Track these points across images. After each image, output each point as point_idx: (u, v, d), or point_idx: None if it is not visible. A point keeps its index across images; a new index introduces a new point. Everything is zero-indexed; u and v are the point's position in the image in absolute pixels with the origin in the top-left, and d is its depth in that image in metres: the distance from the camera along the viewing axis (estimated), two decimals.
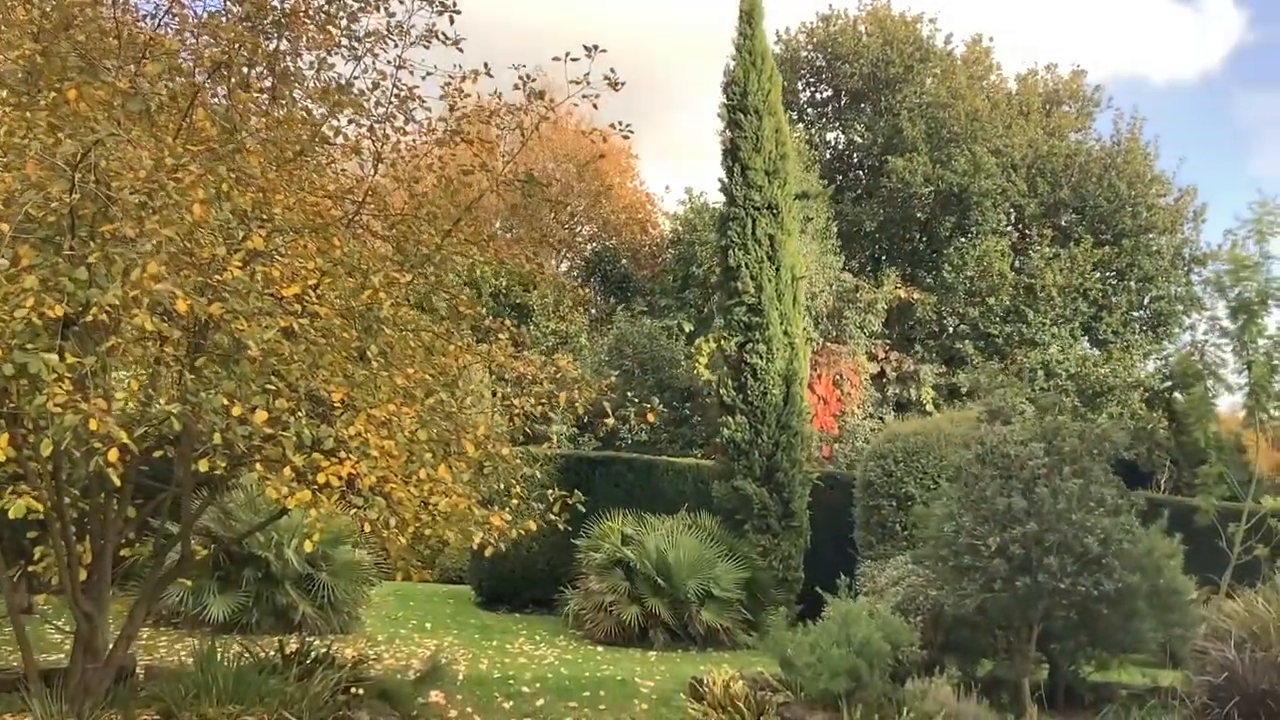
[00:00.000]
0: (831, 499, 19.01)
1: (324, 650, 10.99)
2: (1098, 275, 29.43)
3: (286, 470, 7.73)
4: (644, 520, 16.55)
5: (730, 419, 17.14)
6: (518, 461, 10.41)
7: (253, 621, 13.91)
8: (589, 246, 39.82)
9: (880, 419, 25.78)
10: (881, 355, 27.53)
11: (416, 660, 12.71)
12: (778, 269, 17.35)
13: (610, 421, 12.07)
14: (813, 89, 34.63)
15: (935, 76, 31.52)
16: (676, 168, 61.30)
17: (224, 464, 8.32)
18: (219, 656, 10.04)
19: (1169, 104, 57.40)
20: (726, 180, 17.73)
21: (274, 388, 8.06)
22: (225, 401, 7.42)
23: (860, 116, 33.07)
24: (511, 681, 12.11)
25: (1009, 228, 31.47)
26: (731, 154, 17.72)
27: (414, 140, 10.40)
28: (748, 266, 17.24)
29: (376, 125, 9.73)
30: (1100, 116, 33.01)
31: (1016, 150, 30.11)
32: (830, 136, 34.49)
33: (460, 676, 12.07)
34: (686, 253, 31.11)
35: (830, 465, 24.02)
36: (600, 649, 15.03)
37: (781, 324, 17.23)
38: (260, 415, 7.50)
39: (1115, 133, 31.37)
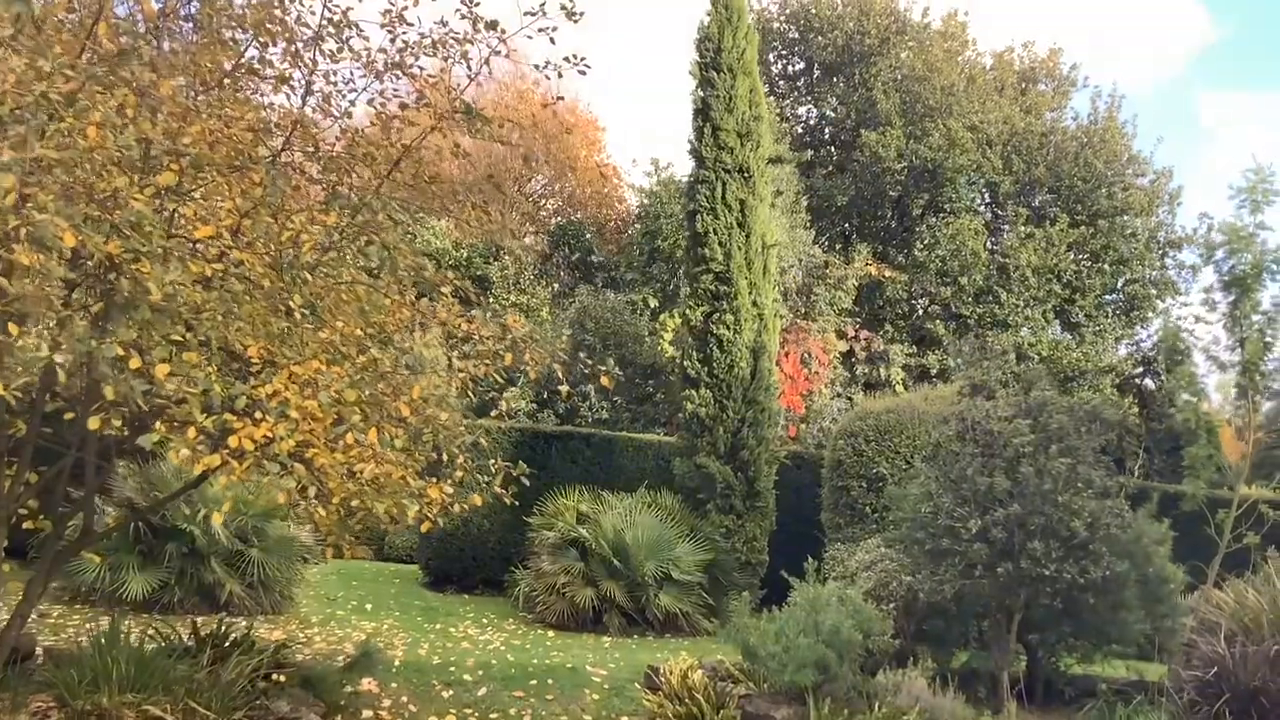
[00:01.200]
0: (798, 479, 18.22)
1: (244, 633, 10.04)
2: (1072, 256, 28.71)
3: (191, 432, 6.81)
4: (601, 498, 15.66)
5: (694, 392, 16.25)
6: (461, 429, 9.43)
7: (175, 600, 12.92)
8: (554, 221, 38.81)
9: (849, 399, 24.96)
10: (851, 334, 26.70)
11: (350, 645, 11.77)
12: (748, 236, 16.46)
13: (565, 389, 11.12)
14: (785, 61, 33.68)
15: (911, 50, 30.65)
16: (653, 149, 60.49)
17: (120, 423, 7.31)
18: (124, 638, 9.10)
19: (1130, 104, 57.08)
20: (696, 141, 16.81)
21: (181, 339, 7.13)
22: (120, 352, 6.47)
23: (833, 90, 32.15)
24: (453, 668, 11.20)
25: (983, 206, 30.73)
26: (702, 113, 16.79)
27: (350, 73, 9.37)
28: (716, 233, 16.33)
29: (304, 50, 8.70)
30: (1076, 96, 32.29)
31: (992, 127, 29.32)
32: (801, 110, 33.57)
33: (396, 662, 11.17)
34: (652, 226, 30.14)
35: (796, 445, 23.19)
36: (551, 633, 14.14)
37: (751, 294, 16.34)
38: (162, 369, 6.61)
39: (1092, 111, 30.65)
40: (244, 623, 12.78)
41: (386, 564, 21.02)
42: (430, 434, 9.11)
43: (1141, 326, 31.32)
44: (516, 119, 39.68)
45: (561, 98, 12.17)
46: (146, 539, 13.06)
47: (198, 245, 7.54)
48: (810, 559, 10.95)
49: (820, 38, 31.64)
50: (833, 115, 31.94)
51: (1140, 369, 30.86)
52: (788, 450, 18.47)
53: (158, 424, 7.27)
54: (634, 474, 17.53)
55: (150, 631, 9.98)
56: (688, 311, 16.63)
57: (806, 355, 25.14)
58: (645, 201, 31.85)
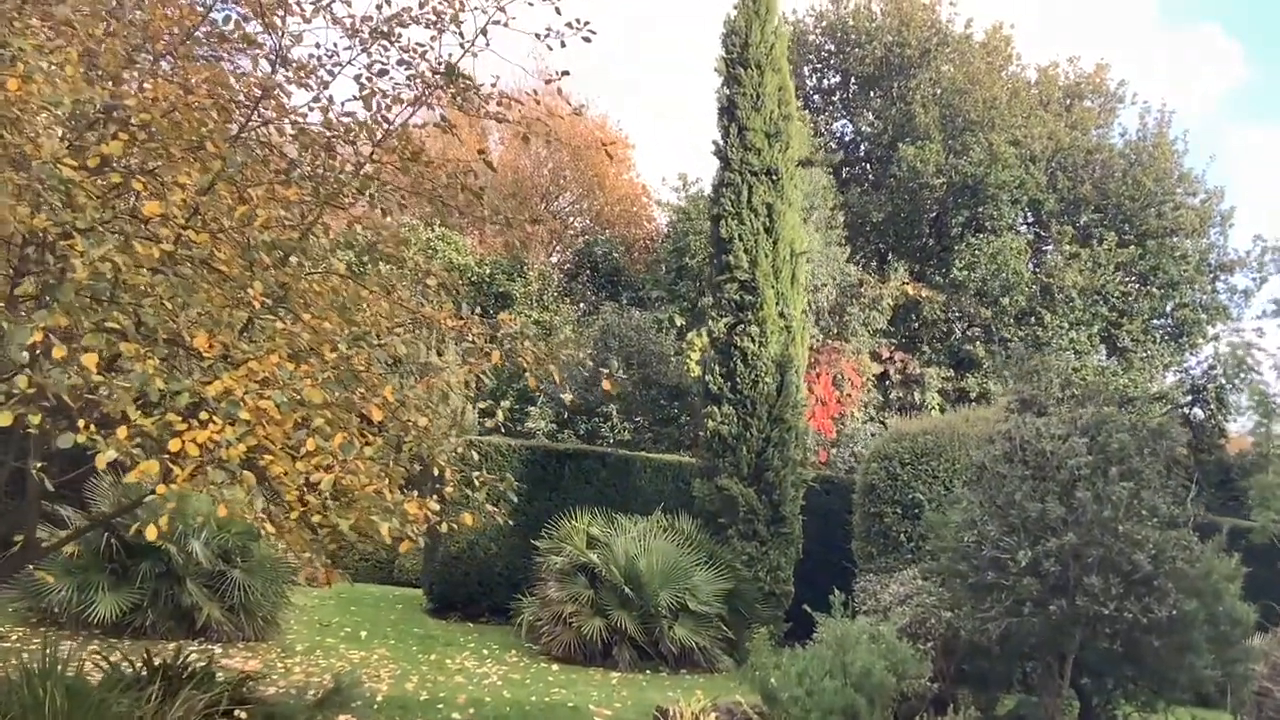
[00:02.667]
0: (828, 505, 17.06)
1: (205, 663, 8.99)
2: (1119, 277, 27.39)
3: (121, 432, 5.80)
4: (614, 521, 14.53)
5: (716, 409, 15.13)
6: (445, 436, 8.36)
7: (147, 624, 11.95)
8: (581, 240, 37.90)
9: (882, 423, 23.74)
10: (886, 355, 25.50)
11: (330, 676, 10.69)
12: (775, 242, 15.36)
13: (568, 397, 10.08)
14: (820, 75, 32.67)
15: (952, 62, 29.53)
16: (684, 165, 59.57)
17: (39, 419, 6.29)
18: (64, 667, 8.09)
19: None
20: (721, 142, 15.75)
21: (118, 326, 6.17)
22: (37, 338, 5.54)
23: (870, 104, 31.09)
24: (441, 705, 10.13)
25: (1025, 225, 29.50)
26: (728, 112, 15.74)
27: (334, 44, 8.37)
28: (741, 239, 15.25)
29: (275, 5, 7.71)
30: (1123, 113, 31.04)
31: (1036, 142, 28.12)
32: (837, 126, 32.50)
33: (379, 698, 10.10)
34: (680, 243, 29.11)
35: (826, 470, 22.00)
36: (556, 667, 13.01)
37: (777, 304, 15.23)
38: (90, 358, 5.63)
39: (1141, 127, 29.39)
40: (219, 650, 11.80)
41: (394, 588, 19.99)
42: (411, 442, 8.05)
43: (1191, 353, 29.94)
44: (543, 131, 39.04)
45: (583, 106, 11.10)
46: (119, 557, 12.09)
47: (149, 225, 6.59)
48: (838, 591, 9.78)
49: (858, 50, 30.62)
50: (869, 130, 30.85)
51: (1189, 398, 29.41)
52: (816, 473, 17.29)
53: (81, 423, 6.26)
54: (652, 496, 16.42)
55: (100, 660, 8.97)
56: (710, 323, 15.54)
57: (839, 377, 23.98)
58: (673, 218, 30.86)
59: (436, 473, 8.21)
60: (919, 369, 25.67)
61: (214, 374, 6.29)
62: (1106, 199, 28.44)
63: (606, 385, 8.83)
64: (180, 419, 6.01)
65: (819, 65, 32.52)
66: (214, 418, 6.05)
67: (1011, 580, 9.53)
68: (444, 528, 7.83)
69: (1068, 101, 30.69)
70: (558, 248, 39.85)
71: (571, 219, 40.84)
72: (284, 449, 6.49)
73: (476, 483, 8.26)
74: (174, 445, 5.93)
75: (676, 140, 55.74)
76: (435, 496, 7.70)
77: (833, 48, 31.86)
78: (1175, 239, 28.56)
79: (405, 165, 8.25)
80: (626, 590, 13.40)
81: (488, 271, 32.71)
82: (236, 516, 6.48)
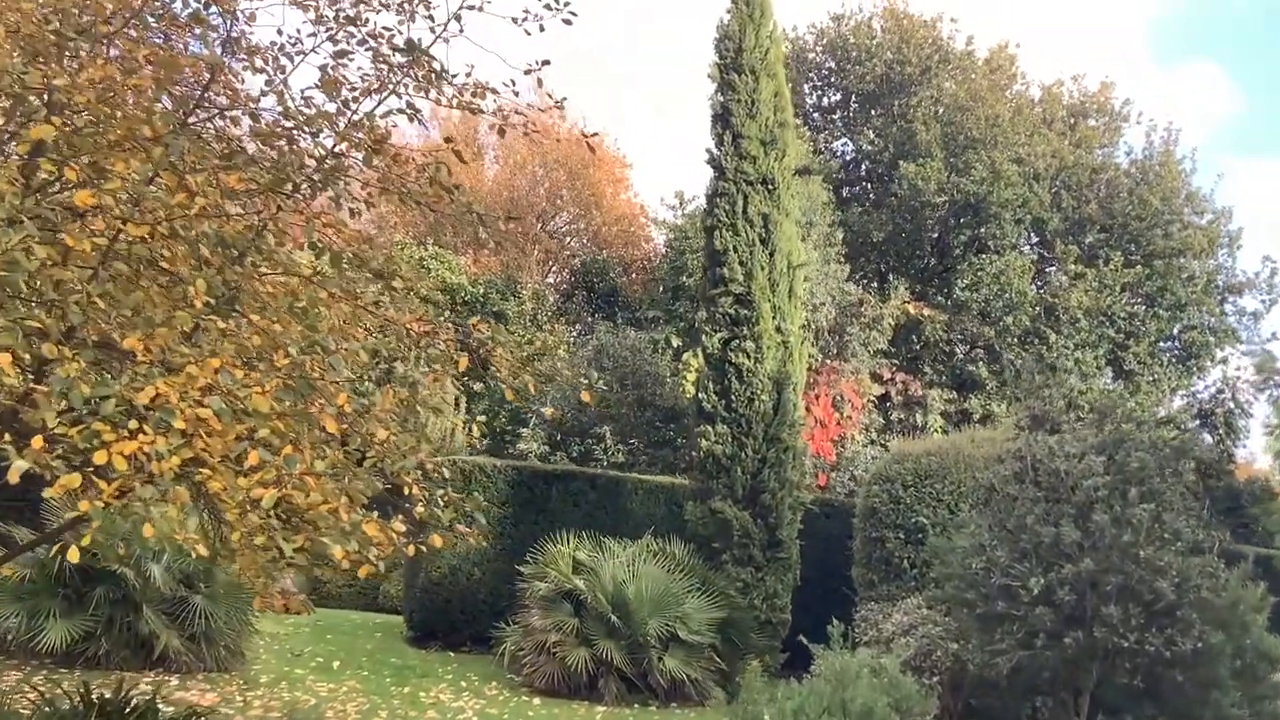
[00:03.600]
0: (827, 529, 16.36)
1: (148, 697, 8.29)
2: (1126, 298, 26.72)
3: (37, 441, 5.16)
4: (602, 545, 13.81)
5: (710, 428, 14.44)
6: (419, 454, 7.67)
7: (101, 653, 11.20)
8: (577, 260, 37.26)
9: (884, 446, 23.02)
10: (887, 376, 24.81)
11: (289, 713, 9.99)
12: (771, 254, 14.72)
13: (550, 411, 9.42)
14: (820, 93, 32.13)
15: (954, 79, 28.97)
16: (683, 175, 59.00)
17: None
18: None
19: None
20: (715, 150, 15.13)
21: (40, 325, 5.56)
22: None
23: (870, 122, 30.51)
24: None
25: (1029, 245, 28.87)
26: (722, 119, 15.13)
27: (297, 31, 7.71)
28: (736, 250, 14.60)
29: None
30: (1129, 132, 30.46)
31: (1040, 160, 27.50)
32: (837, 145, 31.93)
33: None
34: (677, 262, 28.48)
35: (826, 495, 21.29)
36: (537, 700, 12.27)
37: (774, 318, 14.57)
38: (3, 358, 5.00)
39: (1147, 145, 28.81)
40: (175, 681, 11.10)
41: (376, 615, 19.24)
42: (374, 457, 7.35)
43: (1199, 377, 29.28)
44: (541, 151, 38.48)
45: (565, 100, 10.42)
46: (73, 581, 11.36)
47: (86, 218, 5.99)
48: (836, 620, 9.07)
49: (858, 67, 30.07)
50: (870, 148, 30.24)
51: (1197, 422, 28.71)
52: (814, 496, 16.58)
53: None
54: (643, 519, 15.71)
55: (34, 695, 8.27)
56: (704, 338, 14.87)
57: (839, 398, 23.29)
58: (670, 236, 30.26)
59: (407, 491, 7.50)
60: (921, 390, 24.96)
61: (148, 380, 5.63)
62: (1112, 218, 27.83)
63: (585, 396, 8.17)
64: (109, 429, 5.35)
65: (819, 83, 31.99)
66: (145, 427, 5.38)
67: (1023, 610, 8.83)
68: (411, 550, 7.14)
69: (1072, 120, 30.14)
70: (554, 268, 39.25)
71: (568, 239, 40.24)
72: (225, 463, 5.84)
73: (441, 501, 7.55)
74: (99, 457, 5.28)
75: (678, 138, 55.07)
76: (402, 517, 7.04)
77: (833, 65, 31.32)
78: (1183, 260, 27.93)
79: (368, 155, 7.56)
80: (613, 618, 12.67)
81: (481, 291, 32.09)
82: (166, 537, 5.78)
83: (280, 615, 17.61)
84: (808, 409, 22.75)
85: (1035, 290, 27.37)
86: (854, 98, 31.25)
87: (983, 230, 27.18)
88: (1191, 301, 27.79)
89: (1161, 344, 28.50)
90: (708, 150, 15.29)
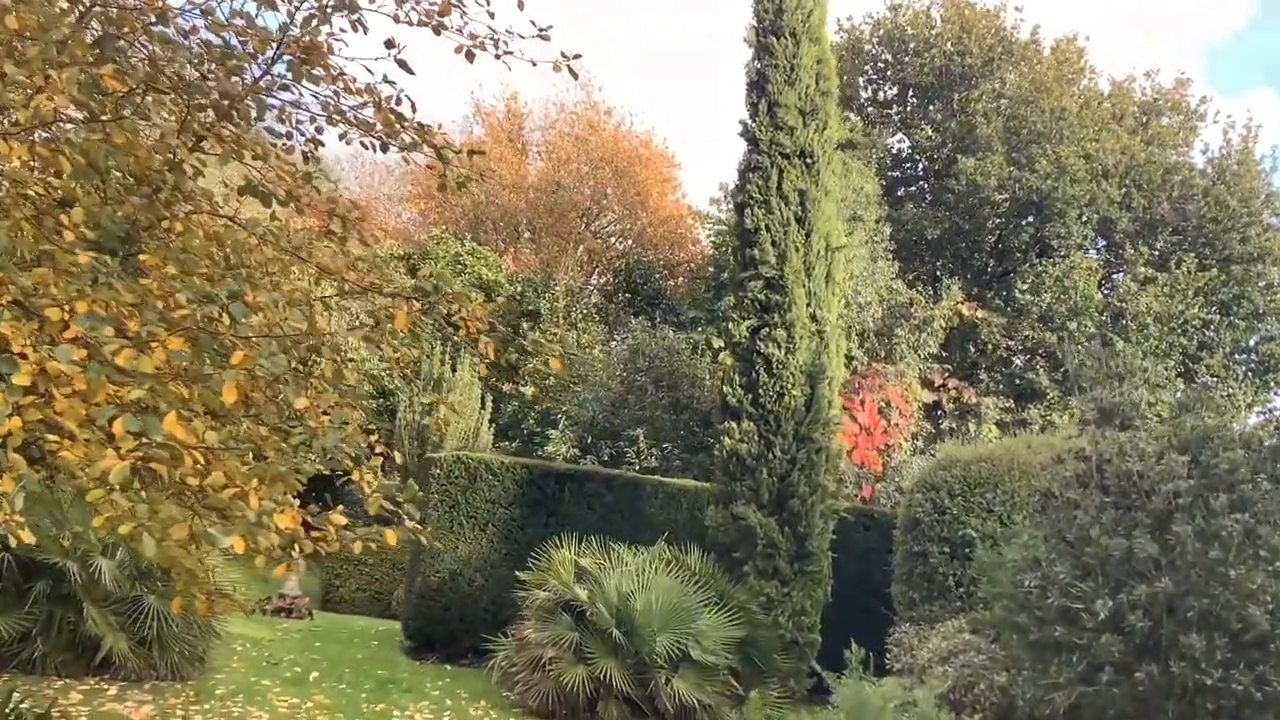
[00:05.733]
0: (867, 542, 14.94)
1: (43, 709, 7.05)
2: (1199, 303, 24.89)
3: None
4: (611, 551, 12.41)
5: (734, 425, 13.02)
6: (353, 418, 6.30)
7: (38, 655, 10.00)
8: (622, 261, 36.01)
9: (933, 455, 21.44)
10: (938, 382, 23.20)
11: None
12: (808, 235, 13.29)
13: (531, 391, 8.05)
14: (875, 87, 30.63)
15: (1018, 70, 27.34)
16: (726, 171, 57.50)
17: None
18: None
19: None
20: (750, 121, 13.73)
21: None
22: None
23: (928, 116, 28.96)
24: None
25: (1096, 246, 27.11)
26: (757, 87, 13.74)
27: None
28: (769, 229, 13.19)
29: None
30: (1205, 131, 28.57)
31: (1109, 156, 25.79)
32: (892, 141, 30.39)
33: None
34: (720, 258, 27.08)
35: (870, 506, 19.76)
36: None
37: (809, 305, 13.14)
38: None
39: (1225, 143, 26.94)
40: (114, 691, 9.88)
41: (384, 622, 18.00)
42: (301, 434, 6.00)
43: (1277, 392, 27.32)
44: (587, 149, 37.29)
45: (579, 57, 9.08)
46: (12, 574, 10.18)
47: None
48: (855, 644, 7.64)
49: (916, 59, 28.55)
50: (926, 143, 28.66)
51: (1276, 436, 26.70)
52: (852, 506, 15.11)
53: None
54: (663, 525, 14.32)
55: None
56: (730, 326, 13.46)
57: (884, 404, 21.74)
58: (712, 232, 28.90)
59: (356, 477, 6.12)
60: (975, 398, 23.32)
61: None
62: (1186, 220, 26.05)
63: (554, 364, 6.81)
64: None
65: (874, 76, 30.52)
66: None
67: (1085, 638, 7.34)
68: (357, 548, 5.79)
69: (1144, 118, 28.41)
70: (598, 269, 38.00)
71: (613, 239, 38.97)
72: (86, 429, 4.57)
73: (366, 489, 6.14)
74: None
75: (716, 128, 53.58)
76: (341, 508, 5.71)
77: (889, 57, 29.85)
78: (1261, 265, 26.08)
79: (296, 69, 6.22)
80: (616, 634, 11.26)
81: (519, 289, 30.97)
82: None
83: (275, 619, 16.40)
84: (851, 415, 21.25)
85: (1102, 295, 25.64)
86: (911, 91, 29.73)
87: (1046, 229, 25.51)
88: (1270, 310, 25.93)
89: (1237, 355, 26.62)
90: (741, 122, 13.91)
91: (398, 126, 6.32)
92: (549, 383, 27.43)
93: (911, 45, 28.94)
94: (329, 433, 5.76)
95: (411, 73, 6.26)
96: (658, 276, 33.00)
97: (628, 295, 32.76)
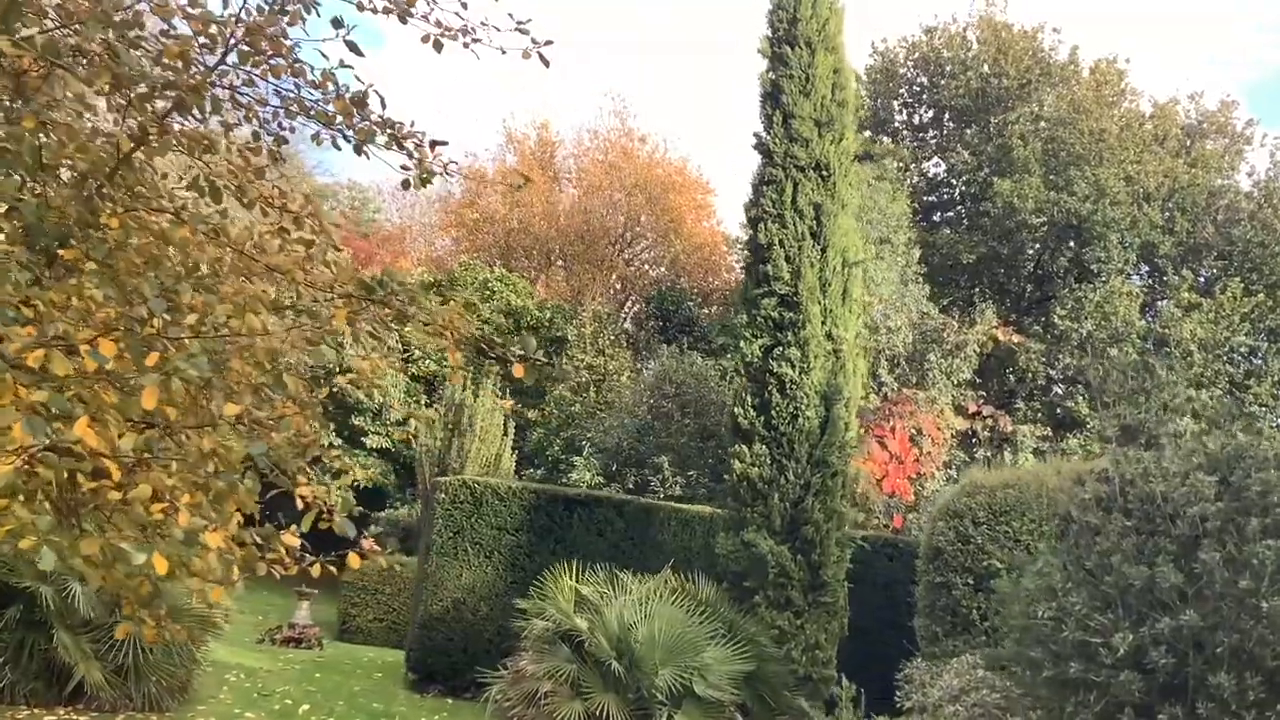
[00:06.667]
0: (891, 573, 14.32)
1: None
2: (1246, 328, 23.97)
3: None
4: (616, 579, 11.84)
5: (745, 449, 12.46)
6: (305, 430, 5.81)
7: (6, 684, 9.60)
8: (655, 288, 35.56)
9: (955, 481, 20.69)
10: (972, 410, 22.43)
11: None
12: (823, 250, 12.74)
13: (520, 371, 7.44)
14: (910, 110, 30.06)
15: (1056, 90, 26.66)
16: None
17: None
18: None
19: None
20: (764, 132, 13.25)
21: None
22: None
23: (963, 139, 28.30)
24: None
25: (1139, 272, 26.28)
26: (772, 98, 13.26)
27: None
28: (783, 244, 12.67)
29: None
30: (1251, 155, 27.71)
31: (1150, 179, 25.03)
32: (928, 165, 29.78)
33: None
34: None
35: (901, 536, 19.04)
36: None
37: (824, 323, 12.57)
38: None
39: (1271, 165, 26.08)
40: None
41: (395, 651, 17.51)
42: (238, 442, 5.50)
43: None
44: (619, 175, 36.91)
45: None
46: None
47: None
48: (869, 682, 7.04)
49: (952, 81, 27.95)
50: (962, 167, 28.00)
51: None
52: (876, 535, 14.47)
53: None
54: (676, 552, 13.77)
55: None
56: (742, 345, 12.92)
57: (916, 432, 21.02)
58: (741, 258, 28.36)
59: (307, 494, 5.60)
60: (1011, 426, 22.52)
61: None
62: (1232, 244, 25.17)
63: (517, 371, 6.28)
64: None
65: (909, 100, 29.96)
66: None
67: (1104, 675, 6.69)
68: (315, 570, 5.31)
69: (1187, 141, 27.58)
70: (631, 297, 37.53)
71: (646, 266, 38.52)
72: None
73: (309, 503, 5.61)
74: None
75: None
76: (294, 528, 5.23)
77: (925, 80, 29.29)
78: None
79: (242, 54, 5.78)
80: (616, 666, 10.67)
81: (548, 315, 30.60)
82: None
83: (282, 649, 15.90)
84: (882, 443, 20.58)
85: (1145, 321, 24.80)
86: (947, 114, 29.13)
87: (1085, 253, 24.73)
88: None
89: None
90: (755, 134, 13.42)
91: (358, 118, 5.84)
92: (574, 409, 26.96)
93: (947, 68, 28.38)
94: (254, 442, 5.23)
95: (360, 54, 5.78)
96: (690, 304, 32.53)
97: (659, 322, 32.29)
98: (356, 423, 26.58)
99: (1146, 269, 26.62)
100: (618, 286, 37.49)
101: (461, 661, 13.62)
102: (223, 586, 5.00)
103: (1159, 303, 26.46)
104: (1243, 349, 24.18)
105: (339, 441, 26.17)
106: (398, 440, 26.62)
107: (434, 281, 30.45)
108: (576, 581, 11.93)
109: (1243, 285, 24.28)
